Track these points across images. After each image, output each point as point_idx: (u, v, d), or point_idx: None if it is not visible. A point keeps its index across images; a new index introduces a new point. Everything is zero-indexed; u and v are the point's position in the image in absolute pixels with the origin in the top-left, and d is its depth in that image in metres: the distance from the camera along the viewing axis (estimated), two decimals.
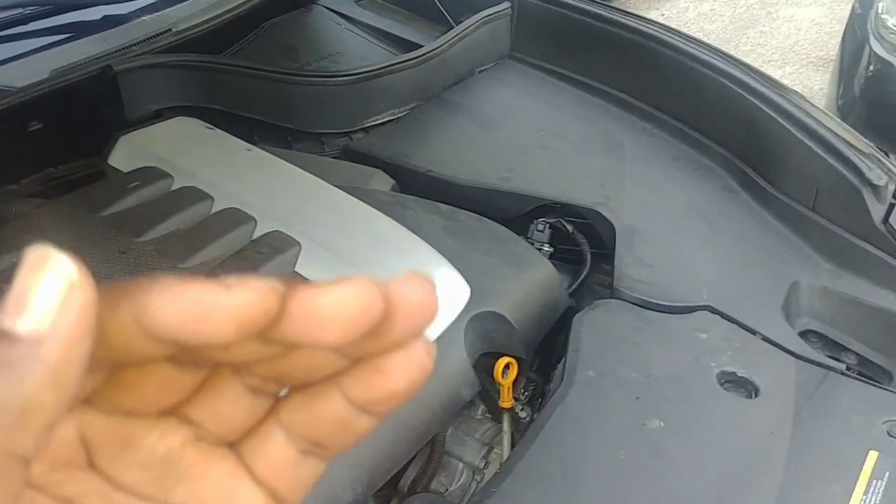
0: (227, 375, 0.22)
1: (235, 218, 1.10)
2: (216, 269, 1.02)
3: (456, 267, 1.07)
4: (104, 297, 0.19)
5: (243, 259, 1.04)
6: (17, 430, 0.17)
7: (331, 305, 0.20)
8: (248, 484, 0.24)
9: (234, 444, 0.24)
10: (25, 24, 1.44)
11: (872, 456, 0.91)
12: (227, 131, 1.32)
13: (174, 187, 1.17)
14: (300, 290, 0.20)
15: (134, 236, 1.07)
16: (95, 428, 0.21)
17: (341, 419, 0.22)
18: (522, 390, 1.14)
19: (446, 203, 1.24)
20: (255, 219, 1.10)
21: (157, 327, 0.19)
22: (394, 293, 0.21)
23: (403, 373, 0.22)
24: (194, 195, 1.14)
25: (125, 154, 1.27)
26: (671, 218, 1.27)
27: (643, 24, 1.49)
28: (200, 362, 0.22)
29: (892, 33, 2.45)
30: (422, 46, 1.55)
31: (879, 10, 2.52)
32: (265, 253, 1.05)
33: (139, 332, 0.19)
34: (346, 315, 0.20)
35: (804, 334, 1.12)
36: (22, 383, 0.17)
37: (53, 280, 0.18)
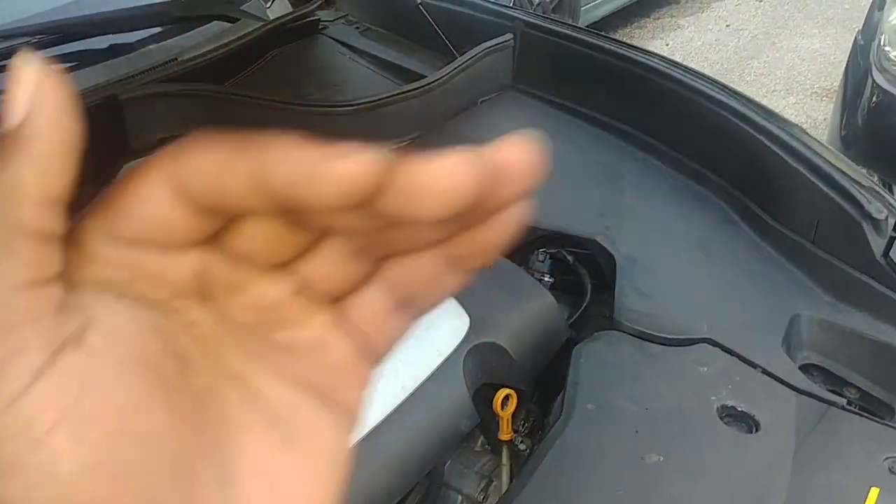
0: (333, 239, 0.24)
1: None
2: None
3: (455, 297, 1.06)
4: (225, 146, 0.21)
5: None
6: (13, 205, 0.20)
7: (434, 179, 0.20)
8: (343, 334, 0.25)
9: (336, 300, 0.25)
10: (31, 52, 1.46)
11: (874, 493, 0.90)
12: None
13: None
14: (406, 163, 0.20)
15: None
16: (215, 268, 0.23)
17: (436, 274, 0.24)
18: (522, 422, 1.13)
19: None
20: None
21: (270, 184, 0.20)
22: (499, 159, 0.21)
23: (500, 226, 0.22)
24: None
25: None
26: (671, 249, 1.27)
27: (644, 56, 1.50)
28: (309, 226, 0.22)
29: (895, 65, 2.46)
30: (425, 77, 1.57)
31: (882, 42, 2.53)
32: None
33: (253, 185, 0.20)
34: (449, 190, 0.20)
35: (805, 368, 1.12)
36: (8, 167, 0.20)
37: (24, 82, 0.20)
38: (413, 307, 0.25)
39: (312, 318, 0.25)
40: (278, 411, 0.25)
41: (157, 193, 0.21)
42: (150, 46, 1.60)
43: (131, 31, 1.61)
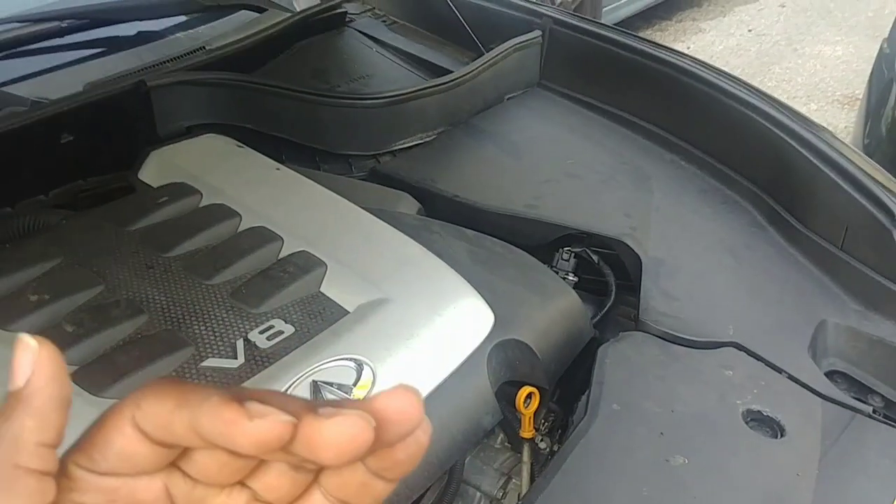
0: (276, 459, 0.29)
1: (262, 237, 1.10)
2: (242, 288, 1.02)
3: (481, 293, 1.06)
4: (173, 396, 0.27)
5: (269, 278, 1.04)
6: (17, 450, 0.26)
7: (329, 437, 0.26)
8: None
9: None
10: (61, 36, 1.47)
11: None
12: (256, 150, 1.32)
13: (202, 204, 1.18)
14: (307, 420, 0.26)
15: (161, 251, 1.08)
16: (178, 489, 0.29)
17: (363, 482, 0.29)
18: (543, 421, 1.12)
19: (472, 229, 1.24)
20: (282, 238, 1.10)
21: (201, 433, 0.26)
22: (381, 409, 0.27)
23: (404, 451, 0.28)
24: (222, 213, 1.15)
25: (155, 169, 1.28)
26: (698, 252, 1.26)
27: (673, 55, 1.49)
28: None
29: None
30: (452, 72, 1.56)
31: None
32: (291, 272, 1.05)
33: (192, 432, 0.26)
34: (340, 445, 0.26)
35: (830, 375, 1.11)
36: (14, 419, 0.26)
37: (25, 354, 0.27)
38: None
39: None
40: None
41: (123, 434, 0.27)
42: (178, 34, 1.60)
43: (160, 18, 1.61)
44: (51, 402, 0.27)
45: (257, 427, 0.25)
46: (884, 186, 1.21)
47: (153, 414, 0.27)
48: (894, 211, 1.16)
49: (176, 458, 0.28)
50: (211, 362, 0.92)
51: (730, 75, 1.47)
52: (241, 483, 0.29)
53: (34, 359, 0.27)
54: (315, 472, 0.29)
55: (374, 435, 0.26)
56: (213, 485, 0.29)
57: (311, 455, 0.26)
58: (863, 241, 1.20)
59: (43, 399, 0.26)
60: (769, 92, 1.41)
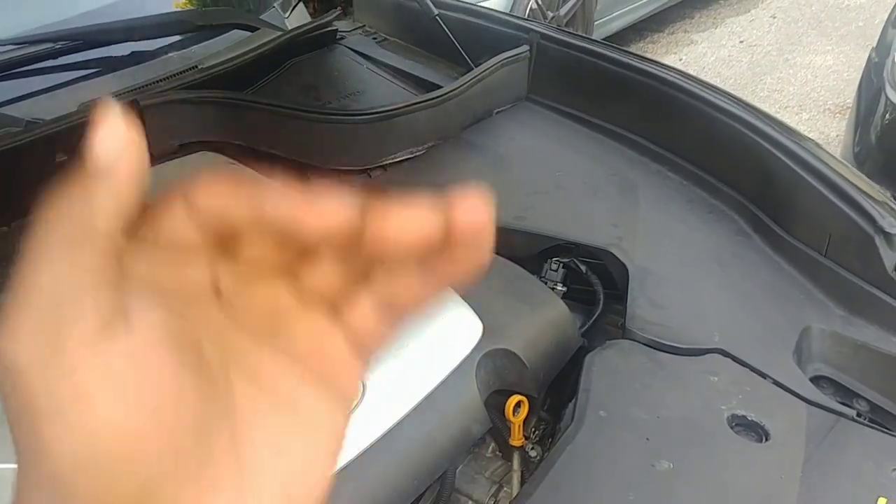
0: (327, 251, 0.28)
1: None
2: None
3: (469, 304, 1.08)
4: (233, 183, 0.26)
5: None
6: (93, 212, 0.24)
7: (400, 228, 0.25)
8: (337, 334, 0.29)
9: (333, 304, 0.29)
10: (55, 58, 1.49)
11: (882, 503, 0.91)
12: (248, 166, 1.34)
13: None
14: (376, 209, 0.25)
15: None
16: (223, 272, 0.28)
17: (417, 287, 0.28)
18: (533, 429, 1.14)
19: None
20: None
21: (264, 217, 0.25)
22: (454, 214, 0.26)
23: (464, 261, 0.27)
24: None
25: (148, 187, 1.29)
26: (684, 260, 1.28)
27: (658, 68, 1.51)
28: (305, 243, 0.27)
29: None
30: (441, 87, 1.58)
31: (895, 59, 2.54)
32: None
33: (251, 216, 0.26)
34: (412, 238, 0.25)
35: (815, 380, 1.12)
36: (93, 188, 0.25)
37: (111, 126, 0.25)
38: (398, 314, 0.29)
39: (310, 320, 0.29)
40: (282, 395, 0.28)
41: (173, 215, 0.26)
42: (171, 54, 1.62)
43: (153, 38, 1.63)
44: (130, 176, 0.25)
45: (325, 214, 0.25)
46: (867, 194, 1.23)
47: (209, 199, 0.26)
48: (876, 218, 1.18)
49: (228, 240, 0.27)
50: None
51: (714, 87, 1.49)
52: (290, 275, 0.28)
53: (118, 132, 0.25)
54: (366, 271, 0.28)
55: (442, 233, 0.25)
56: (260, 271, 0.28)
57: (379, 247, 0.25)
58: (846, 248, 1.22)
59: (123, 171, 0.25)
60: (761, 102, 1.43)
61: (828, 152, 1.35)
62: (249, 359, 0.28)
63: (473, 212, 0.26)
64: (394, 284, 0.28)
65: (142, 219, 0.27)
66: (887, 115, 2.50)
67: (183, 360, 0.25)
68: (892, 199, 1.28)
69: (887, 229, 1.17)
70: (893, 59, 2.56)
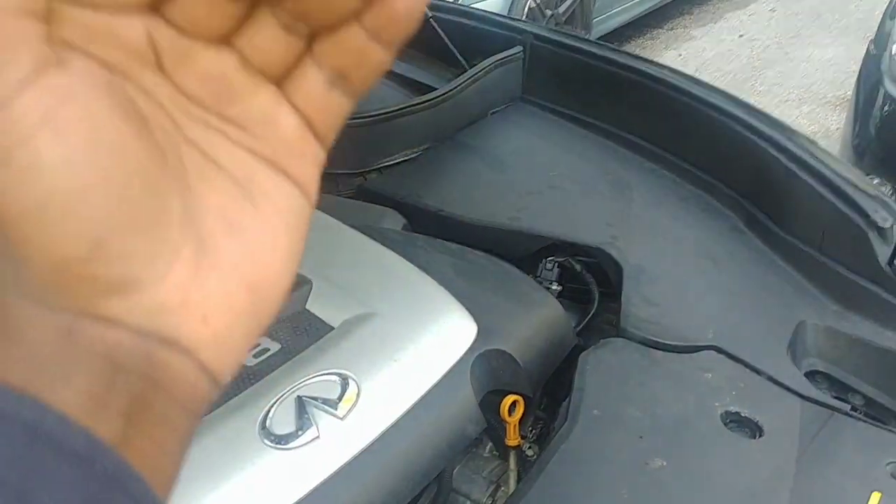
0: (264, 12, 0.26)
1: None
2: None
3: (464, 305, 1.08)
4: None
5: None
6: None
7: None
8: (287, 110, 0.27)
9: (276, 79, 0.27)
10: None
11: (876, 497, 0.91)
12: None
13: None
14: None
15: None
16: (161, 35, 0.26)
17: (360, 48, 0.26)
18: (530, 429, 1.15)
19: (456, 242, 1.26)
20: None
21: None
22: None
23: (403, 2, 0.25)
24: None
25: None
26: (678, 258, 1.28)
27: (651, 67, 1.51)
28: None
29: None
30: (436, 89, 1.59)
31: (894, 52, 2.53)
32: None
33: None
34: None
35: (810, 375, 1.13)
36: None
37: None
38: (347, 84, 0.27)
39: (258, 93, 0.27)
40: (235, 172, 0.27)
41: None
42: None
43: None
44: None
45: None
46: (860, 189, 1.23)
47: None
48: (870, 213, 1.19)
49: (157, 2, 0.25)
50: None
51: (708, 85, 1.49)
52: (230, 44, 0.26)
53: None
54: (308, 37, 0.26)
55: None
56: (199, 36, 0.26)
57: None
58: (840, 244, 1.23)
59: None
60: (761, 96, 1.43)
61: (821, 148, 1.35)
62: (198, 129, 0.27)
63: None
64: (337, 47, 0.26)
65: None
66: (886, 108, 2.50)
67: (125, 111, 0.24)
68: (885, 193, 1.28)
69: (880, 224, 1.17)
70: (891, 51, 2.55)
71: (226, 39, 0.26)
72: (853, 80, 3.01)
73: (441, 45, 1.71)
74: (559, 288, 1.28)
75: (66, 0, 0.24)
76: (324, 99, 0.27)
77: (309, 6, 0.25)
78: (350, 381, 0.95)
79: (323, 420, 0.90)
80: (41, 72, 0.22)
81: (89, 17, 0.24)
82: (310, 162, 0.28)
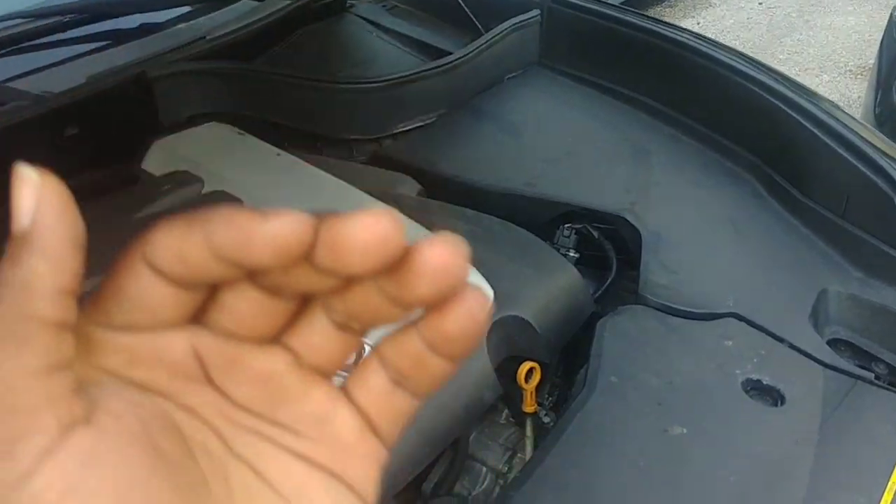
0: (316, 311, 0.26)
1: None
2: None
3: (479, 271, 1.07)
4: (184, 224, 0.24)
5: None
6: (30, 297, 0.22)
7: (352, 232, 0.23)
8: (346, 407, 0.27)
9: (332, 376, 0.27)
10: (63, 31, 1.48)
11: None
12: (258, 137, 1.34)
13: (205, 191, 1.19)
14: (329, 219, 0.23)
15: None
16: (207, 346, 0.25)
17: (419, 356, 0.26)
18: (547, 396, 1.14)
19: (472, 208, 1.24)
20: None
21: (219, 247, 0.23)
22: (418, 250, 0.24)
23: (455, 322, 0.25)
24: (223, 199, 1.16)
25: (158, 159, 1.29)
26: (698, 224, 1.26)
27: (671, 30, 1.48)
28: (283, 290, 0.25)
29: None
30: (451, 53, 1.56)
31: None
32: None
33: (207, 251, 0.23)
34: (366, 242, 0.23)
35: (833, 343, 1.11)
36: (22, 263, 0.22)
37: (27, 190, 0.23)
38: (412, 385, 0.27)
39: (313, 392, 0.26)
40: (285, 486, 0.26)
41: (137, 276, 0.24)
42: (180, 26, 1.61)
43: (160, 10, 1.62)
44: (63, 242, 0.22)
45: (274, 227, 0.22)
46: (884, 153, 1.21)
47: (164, 246, 0.23)
48: (895, 177, 1.16)
49: (202, 310, 0.25)
50: None
51: (728, 48, 1.46)
52: (279, 342, 0.26)
53: (38, 193, 0.23)
54: (365, 332, 0.26)
55: (401, 245, 0.23)
56: (247, 338, 0.25)
57: (336, 260, 0.23)
58: (864, 209, 1.20)
59: (54, 238, 0.22)
60: (781, 64, 1.40)
61: (845, 112, 1.32)
62: (247, 441, 0.26)
63: (444, 250, 0.24)
64: (402, 348, 0.26)
65: (103, 289, 0.24)
66: None
67: (161, 459, 0.23)
68: None
69: None
70: None
71: (276, 338, 0.26)
72: (875, 48, 2.95)
73: (457, 9, 1.68)
74: (577, 255, 1.26)
75: (104, 325, 0.24)
76: (387, 397, 0.27)
77: (358, 309, 0.25)
78: (366, 346, 0.94)
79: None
80: (66, 435, 0.21)
81: (130, 340, 0.24)
82: (369, 463, 0.27)
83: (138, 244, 0.24)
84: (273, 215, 0.23)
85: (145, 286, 0.24)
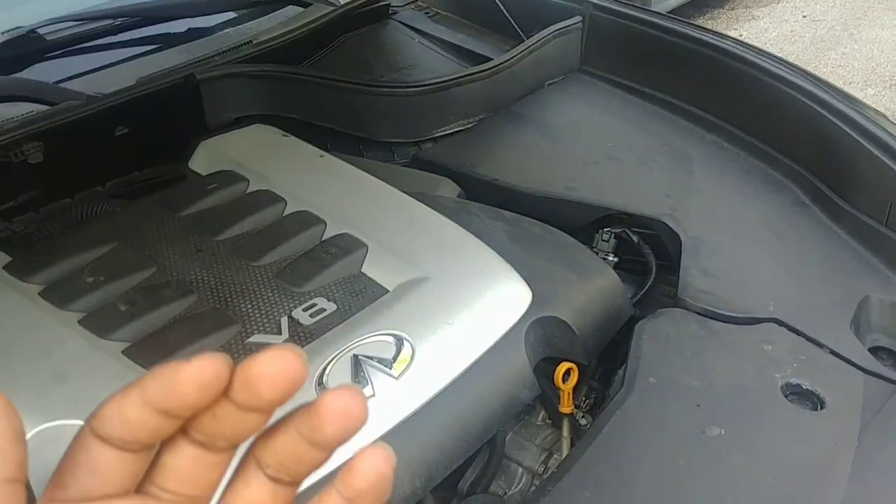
0: (250, 468, 0.29)
1: (306, 220, 1.14)
2: (286, 269, 1.06)
3: (519, 272, 1.08)
4: (121, 390, 0.27)
5: (312, 259, 1.07)
6: None
7: (263, 369, 0.26)
8: None
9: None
10: (115, 34, 1.53)
11: None
12: (301, 139, 1.36)
13: (249, 190, 1.22)
14: (246, 359, 0.27)
15: (210, 235, 1.12)
16: None
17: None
18: (584, 398, 1.14)
19: (511, 211, 1.25)
20: (325, 221, 1.13)
21: (150, 400, 0.26)
22: (324, 398, 0.27)
23: (363, 476, 0.29)
24: (268, 198, 1.18)
25: (205, 158, 1.33)
26: (739, 230, 1.26)
27: (713, 37, 1.48)
28: (216, 440, 0.28)
29: None
30: (492, 59, 1.58)
31: None
32: (333, 254, 1.08)
33: (143, 407, 0.27)
34: (274, 376, 0.27)
35: (874, 350, 1.10)
36: None
37: None
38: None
39: None
40: None
41: (87, 447, 0.27)
42: (227, 30, 1.65)
43: (208, 14, 1.66)
44: (4, 437, 0.26)
45: (195, 366, 0.26)
46: None
47: (107, 413, 0.27)
48: None
49: (147, 479, 0.29)
50: (257, 338, 0.95)
51: (771, 55, 1.45)
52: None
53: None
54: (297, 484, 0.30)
55: (303, 377, 0.27)
56: (191, 499, 0.29)
57: (251, 392, 0.27)
58: None
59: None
60: (825, 78, 1.39)
61: (889, 120, 1.31)
62: None
63: (346, 399, 0.27)
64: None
65: (59, 465, 0.28)
66: None
67: None
68: None
69: None
70: None
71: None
72: None
73: (499, 16, 1.70)
74: (616, 259, 1.26)
75: (62, 500, 0.27)
76: None
77: (286, 458, 0.28)
78: (405, 342, 0.96)
79: (378, 379, 0.90)
80: None
81: None
82: None
83: (87, 421, 0.27)
84: (196, 357, 0.26)
85: (95, 455, 0.27)
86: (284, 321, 0.97)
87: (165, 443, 0.28)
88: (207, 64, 1.46)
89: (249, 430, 0.28)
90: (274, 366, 0.26)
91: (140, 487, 0.29)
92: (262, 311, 0.99)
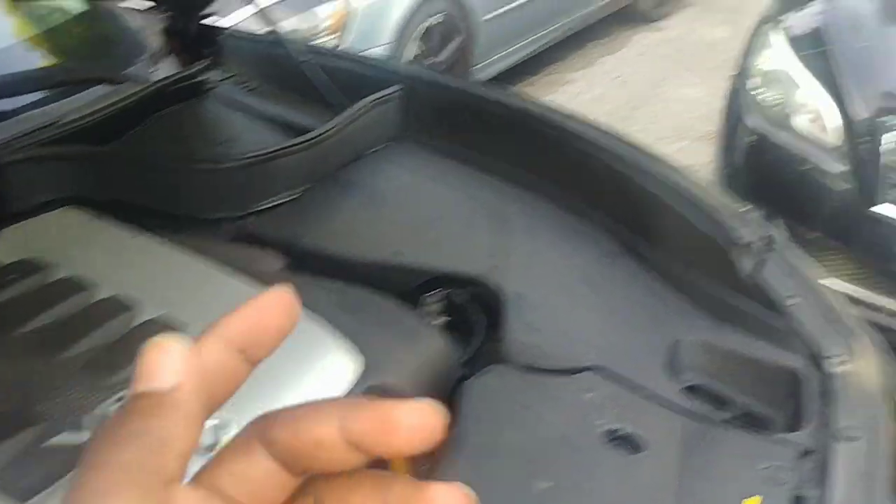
0: (254, 443, 0.28)
1: (116, 306, 1.08)
2: (94, 359, 1.00)
3: (348, 341, 1.07)
4: (318, 413, 0.26)
5: (123, 347, 1.02)
6: (163, 456, 0.24)
7: (398, 417, 0.25)
8: None
9: None
10: None
11: (755, 501, 0.93)
12: (118, 220, 1.31)
13: (55, 278, 1.15)
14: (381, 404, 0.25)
15: (8, 330, 1.04)
16: None
17: None
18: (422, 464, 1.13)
19: (340, 279, 1.25)
20: (136, 306, 1.08)
21: (352, 431, 0.25)
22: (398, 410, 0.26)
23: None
24: (73, 286, 1.12)
25: (7, 248, 1.24)
26: (558, 284, 1.31)
27: (524, 102, 1.56)
28: (296, 463, 0.27)
29: (762, 108, 2.62)
30: (313, 130, 1.58)
31: (750, 87, 2.70)
32: (146, 340, 1.03)
33: (339, 434, 0.25)
34: (408, 428, 0.25)
35: (689, 389, 1.16)
36: (160, 420, 0.24)
37: (174, 355, 0.26)
38: None
39: None
40: None
41: (254, 453, 0.26)
42: (33, 111, 1.57)
43: (13, 96, 1.58)
44: (200, 408, 0.25)
45: (413, 416, 0.25)
46: (720, 210, 1.29)
47: (288, 425, 0.26)
48: (731, 231, 1.24)
49: (212, 470, 0.27)
50: (61, 439, 0.89)
51: (579, 117, 1.54)
52: None
53: (182, 360, 0.25)
54: None
55: (441, 431, 0.26)
56: None
57: (382, 441, 0.25)
58: (707, 261, 1.28)
59: (194, 404, 0.25)
60: (638, 134, 1.48)
61: (686, 173, 1.41)
62: None
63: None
64: None
65: (217, 463, 0.26)
66: (747, 139, 2.65)
67: None
68: (752, 215, 1.33)
69: (742, 240, 1.23)
70: (747, 86, 2.71)
71: None
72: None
73: (318, 88, 1.71)
74: (444, 320, 1.28)
75: (214, 497, 0.26)
76: None
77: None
78: (231, 423, 0.92)
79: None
80: None
81: None
82: None
83: (259, 425, 0.27)
84: (408, 406, 0.25)
85: (258, 465, 0.26)
86: (92, 418, 0.91)
87: (244, 449, 0.26)
88: (8, 147, 1.38)
89: (343, 466, 0.26)
90: (415, 417, 0.25)
91: (202, 480, 0.26)
92: (68, 408, 0.92)
